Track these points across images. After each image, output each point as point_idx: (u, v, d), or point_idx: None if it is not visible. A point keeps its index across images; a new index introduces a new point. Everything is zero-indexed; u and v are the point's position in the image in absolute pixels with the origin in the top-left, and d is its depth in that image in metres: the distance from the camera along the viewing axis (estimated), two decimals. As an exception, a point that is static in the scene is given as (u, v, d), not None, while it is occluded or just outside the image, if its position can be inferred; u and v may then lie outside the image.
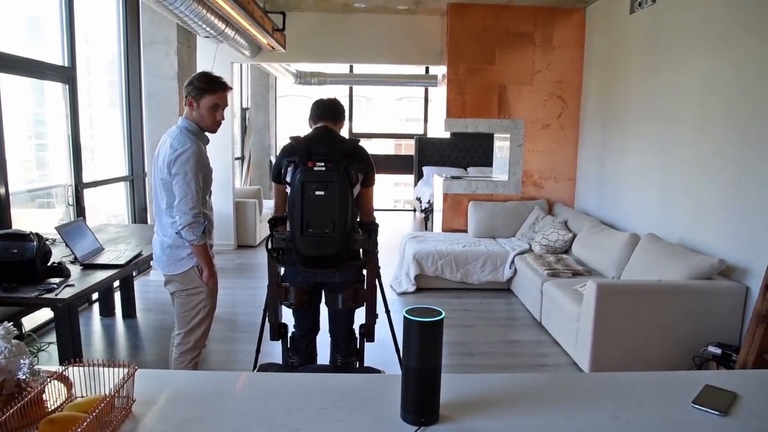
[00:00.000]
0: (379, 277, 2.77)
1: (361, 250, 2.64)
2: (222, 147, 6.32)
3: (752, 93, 3.38)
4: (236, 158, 8.36)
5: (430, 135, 10.50)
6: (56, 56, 4.33)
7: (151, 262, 2.85)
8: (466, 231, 6.21)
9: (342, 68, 9.63)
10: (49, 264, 2.89)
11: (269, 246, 2.60)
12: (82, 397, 1.29)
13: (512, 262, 5.27)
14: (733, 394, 1.41)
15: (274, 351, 3.28)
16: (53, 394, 1.26)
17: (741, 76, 3.48)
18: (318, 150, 2.44)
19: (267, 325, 2.82)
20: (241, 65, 8.75)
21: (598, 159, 5.69)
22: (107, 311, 4.53)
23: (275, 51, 6.17)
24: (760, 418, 1.33)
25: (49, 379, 1.26)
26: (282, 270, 2.73)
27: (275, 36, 5.58)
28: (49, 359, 3.58)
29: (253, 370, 2.89)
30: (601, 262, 4.58)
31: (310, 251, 2.47)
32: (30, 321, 3.94)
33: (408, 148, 11.28)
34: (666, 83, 4.33)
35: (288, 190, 2.52)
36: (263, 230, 7.52)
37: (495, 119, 6.14)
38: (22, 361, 1.25)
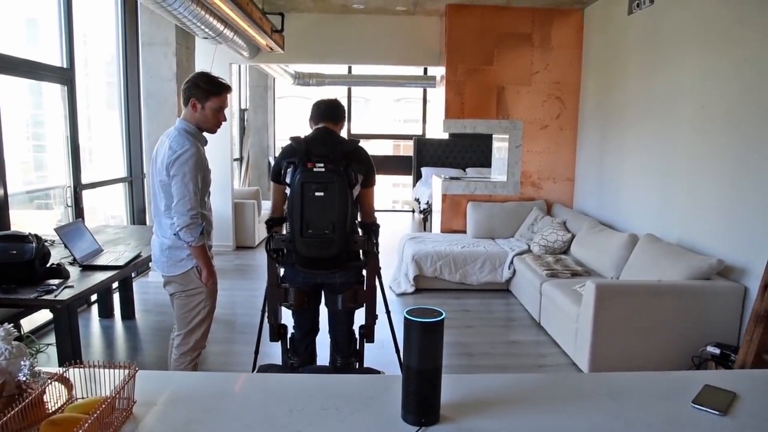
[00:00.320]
0: (380, 277, 2.77)
1: (360, 251, 2.64)
2: (221, 148, 6.32)
3: (751, 93, 3.39)
4: (235, 159, 8.36)
5: (428, 136, 10.50)
6: (54, 57, 4.33)
7: (150, 264, 2.85)
8: (464, 232, 6.22)
9: (340, 69, 9.63)
10: (48, 265, 2.89)
11: (269, 247, 2.60)
12: (82, 398, 1.29)
13: (511, 262, 5.28)
14: (732, 394, 1.41)
15: (273, 352, 3.28)
16: (54, 396, 1.26)
17: (739, 76, 3.49)
18: (318, 151, 2.44)
19: (265, 326, 2.82)
20: (239, 66, 8.74)
21: (596, 159, 5.69)
22: (106, 312, 4.52)
23: (274, 52, 6.17)
24: (760, 417, 1.33)
25: (49, 381, 1.26)
26: (281, 271, 2.73)
27: (274, 37, 5.58)
28: (48, 361, 3.57)
29: (253, 371, 2.89)
30: (599, 263, 4.58)
31: (309, 252, 2.48)
32: (29, 322, 3.93)
33: (406, 148, 11.28)
34: (664, 84, 4.34)
35: (287, 191, 2.52)
36: (262, 231, 7.52)
37: (493, 120, 6.14)
38: (22, 362, 1.24)
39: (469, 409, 1.34)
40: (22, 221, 3.99)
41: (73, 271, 2.98)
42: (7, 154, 3.59)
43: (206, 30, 4.52)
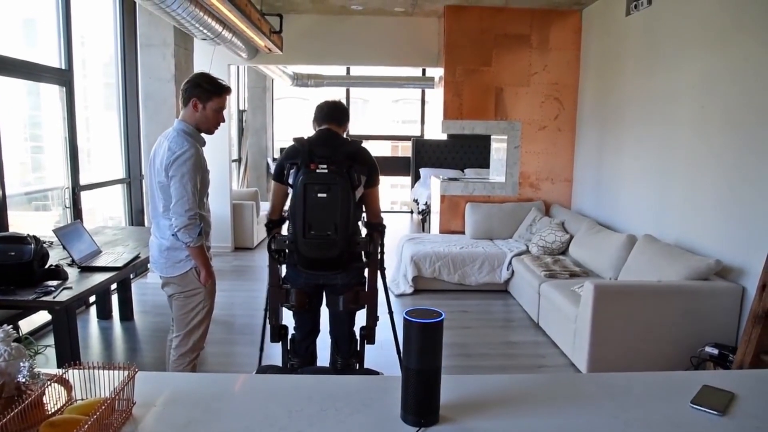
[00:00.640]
0: (384, 277, 2.77)
1: (363, 252, 2.64)
2: (219, 149, 6.32)
3: (748, 94, 3.40)
4: (233, 160, 8.36)
5: (427, 137, 10.50)
6: (53, 58, 4.33)
7: (149, 265, 2.85)
8: (463, 232, 6.22)
9: (339, 70, 9.64)
10: (46, 267, 2.89)
11: (271, 247, 2.60)
12: (81, 399, 1.29)
13: (509, 263, 5.28)
14: (731, 394, 1.42)
15: (276, 353, 3.28)
16: (53, 397, 1.26)
17: (737, 77, 3.50)
18: (321, 152, 2.44)
19: (264, 327, 2.82)
20: (238, 67, 8.74)
21: (594, 160, 5.70)
22: (105, 314, 4.51)
23: (272, 53, 6.17)
24: (758, 417, 1.34)
25: (48, 382, 1.26)
26: (283, 272, 2.73)
27: (272, 38, 5.59)
28: (46, 362, 3.56)
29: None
30: (598, 263, 4.59)
31: (312, 253, 2.48)
32: (27, 324, 3.92)
33: (405, 149, 11.29)
34: (662, 85, 4.34)
35: (289, 191, 2.52)
36: (260, 232, 7.52)
37: (492, 121, 6.15)
38: (21, 364, 1.24)
39: (468, 409, 1.34)
40: (20, 222, 3.99)
41: (72, 273, 2.98)
42: (5, 155, 3.59)
43: (204, 31, 4.52)
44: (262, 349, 3.00)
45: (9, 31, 4.27)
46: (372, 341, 2.75)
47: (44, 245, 2.94)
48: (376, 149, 12.05)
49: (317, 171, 2.38)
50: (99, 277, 2.96)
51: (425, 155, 10.00)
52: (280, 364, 2.88)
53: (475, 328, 4.54)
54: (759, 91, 3.29)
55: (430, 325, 1.24)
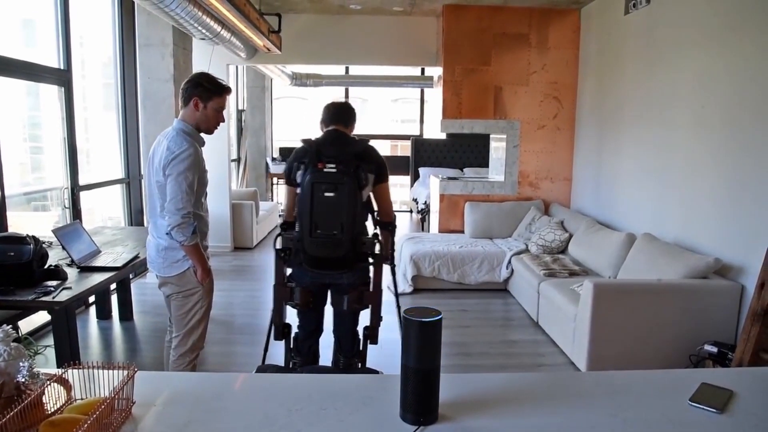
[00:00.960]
0: (393, 274, 2.81)
1: (369, 253, 2.65)
2: (218, 149, 6.32)
3: (747, 93, 3.40)
4: (232, 160, 8.36)
5: (426, 136, 10.50)
6: (51, 59, 4.33)
7: (149, 264, 2.85)
8: (462, 232, 6.22)
9: (338, 70, 9.63)
10: (45, 267, 2.89)
11: (278, 245, 2.63)
12: (81, 399, 1.29)
13: (509, 262, 5.28)
14: (729, 391, 1.42)
15: (279, 352, 3.28)
16: (53, 397, 1.26)
17: (736, 76, 3.50)
18: (328, 152, 2.47)
19: (271, 325, 2.84)
20: (236, 67, 8.74)
21: (593, 159, 5.71)
22: (104, 314, 4.51)
23: (271, 53, 6.16)
24: (756, 415, 1.34)
25: (48, 382, 1.26)
26: (288, 270, 2.74)
27: (271, 38, 5.58)
28: (46, 362, 3.56)
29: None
30: (597, 262, 4.59)
31: (318, 252, 2.50)
32: (27, 324, 3.92)
33: (404, 149, 11.29)
34: (661, 83, 4.35)
35: (298, 191, 2.54)
36: (260, 232, 7.52)
37: (491, 120, 6.15)
38: (21, 363, 1.24)
39: (467, 408, 1.35)
40: (19, 223, 3.99)
41: (71, 273, 2.98)
42: (4, 155, 3.59)
43: (203, 31, 4.52)
44: (266, 349, 3.01)
45: (8, 31, 4.27)
46: (375, 341, 2.76)
47: (43, 245, 2.94)
48: (376, 148, 12.04)
49: (325, 170, 2.41)
50: (98, 277, 2.96)
51: (424, 154, 10.00)
52: (278, 364, 2.89)
53: (475, 327, 4.55)
54: (757, 90, 3.30)
55: (428, 324, 1.25)
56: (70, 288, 2.74)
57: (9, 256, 2.72)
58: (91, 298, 4.58)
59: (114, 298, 4.55)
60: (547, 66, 6.09)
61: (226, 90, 2.66)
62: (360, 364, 2.86)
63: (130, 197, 5.58)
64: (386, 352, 3.30)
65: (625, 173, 4.99)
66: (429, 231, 7.19)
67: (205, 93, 2.59)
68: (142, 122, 5.48)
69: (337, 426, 1.26)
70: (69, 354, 2.72)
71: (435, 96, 6.88)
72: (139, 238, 3.87)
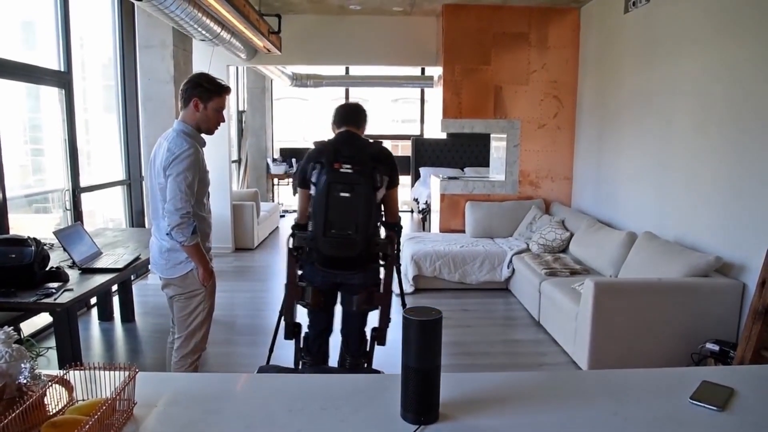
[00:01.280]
0: (399, 273, 2.83)
1: (381, 254, 2.68)
2: (219, 150, 6.32)
3: (747, 91, 3.40)
4: (233, 161, 8.36)
5: (426, 136, 10.50)
6: (52, 61, 4.33)
7: (150, 266, 2.86)
8: (463, 231, 6.22)
9: (338, 70, 9.64)
10: (47, 269, 2.89)
11: (291, 245, 2.64)
12: (83, 400, 1.30)
13: (510, 261, 5.28)
14: (730, 389, 1.42)
15: (284, 354, 3.29)
16: (54, 398, 1.26)
17: (736, 74, 3.50)
18: (345, 152, 2.49)
19: (278, 325, 2.86)
20: (237, 68, 8.75)
21: (594, 158, 5.70)
22: (106, 315, 4.52)
23: (271, 53, 6.17)
24: (757, 413, 1.34)
25: (50, 383, 1.26)
26: (300, 270, 2.75)
27: (271, 38, 5.59)
28: (48, 364, 3.57)
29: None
30: (598, 261, 4.59)
31: (331, 252, 2.52)
32: (28, 326, 3.93)
33: (404, 149, 11.28)
34: (661, 82, 4.35)
35: (312, 192, 2.55)
36: (260, 233, 7.53)
37: (491, 119, 6.15)
38: (23, 365, 1.25)
39: (468, 407, 1.35)
40: (21, 225, 3.99)
41: (73, 275, 2.98)
42: (5, 157, 3.60)
43: (203, 32, 4.53)
44: (272, 349, 3.03)
45: (8, 33, 4.27)
46: (383, 342, 2.78)
47: (45, 247, 2.94)
48: (376, 149, 12.05)
49: (341, 170, 2.42)
50: (100, 279, 2.97)
51: (425, 154, 10.00)
52: (287, 364, 2.91)
53: (476, 327, 4.55)
54: (758, 88, 3.30)
55: (428, 323, 1.25)
56: (71, 290, 2.75)
57: (10, 258, 2.73)
58: (93, 300, 4.59)
59: (116, 300, 4.55)
60: (547, 65, 6.09)
61: (225, 90, 2.66)
62: (366, 365, 2.87)
63: (131, 199, 5.58)
64: (394, 353, 3.32)
65: (625, 172, 4.99)
66: (430, 231, 7.19)
67: (204, 93, 2.59)
68: (142, 123, 5.48)
69: (338, 426, 1.27)
70: (71, 355, 2.73)
71: (435, 96, 6.88)
72: (141, 239, 3.88)
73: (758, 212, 3.28)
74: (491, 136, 6.70)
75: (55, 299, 2.62)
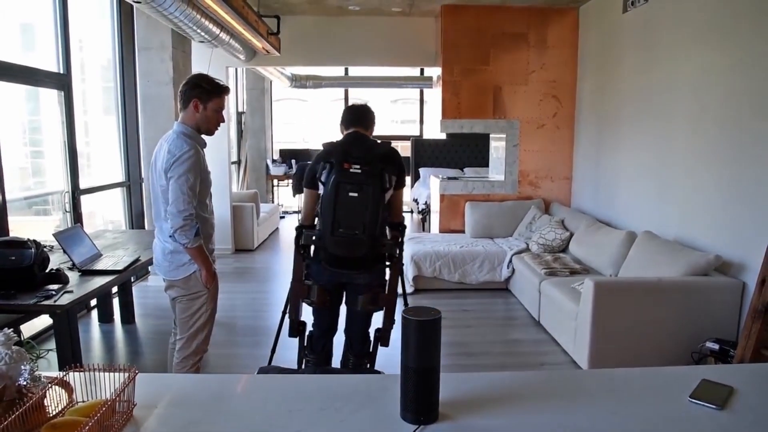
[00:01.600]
0: (401, 272, 2.84)
1: (387, 255, 2.71)
2: (219, 151, 6.32)
3: (746, 90, 3.40)
4: (233, 162, 8.37)
5: (425, 136, 10.51)
6: (51, 63, 4.33)
7: (150, 268, 2.86)
8: (463, 231, 6.22)
9: (337, 71, 9.64)
10: (47, 271, 2.89)
11: (299, 242, 2.67)
12: (82, 402, 1.30)
13: (510, 261, 5.28)
14: (729, 388, 1.42)
15: (286, 355, 3.30)
16: (54, 400, 1.27)
17: (734, 73, 3.50)
18: (355, 153, 2.53)
19: (281, 325, 2.89)
20: (236, 69, 8.75)
21: (593, 158, 5.71)
22: (106, 317, 4.52)
23: (270, 55, 6.17)
24: (756, 411, 1.34)
25: (49, 385, 1.26)
26: (306, 268, 2.78)
27: (270, 40, 5.59)
28: (48, 366, 3.57)
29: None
30: (598, 260, 4.59)
31: (339, 251, 2.54)
32: (28, 328, 3.93)
33: (404, 149, 11.28)
34: (659, 81, 4.35)
35: (321, 191, 2.57)
36: (260, 234, 7.53)
37: (490, 120, 6.15)
38: (22, 367, 1.25)
39: (467, 406, 1.35)
40: (20, 227, 3.99)
41: (73, 276, 2.98)
42: (4, 160, 3.60)
43: (202, 33, 4.53)
44: (274, 350, 3.05)
45: (7, 36, 4.28)
46: (386, 344, 2.80)
47: (45, 249, 2.94)
48: (376, 149, 12.05)
49: (350, 170, 2.45)
50: (99, 281, 2.97)
51: (424, 155, 10.01)
52: (289, 365, 2.92)
53: (476, 327, 4.55)
54: (757, 87, 3.30)
55: (427, 323, 1.25)
56: (71, 291, 2.75)
57: (10, 261, 2.73)
58: (93, 302, 4.59)
59: (116, 302, 4.55)
60: (545, 65, 6.09)
61: (224, 90, 2.67)
62: (369, 365, 2.88)
63: (131, 200, 5.58)
64: (396, 354, 3.32)
65: (624, 171, 4.99)
66: (429, 231, 7.19)
67: (204, 94, 2.59)
68: (142, 125, 5.49)
69: (337, 426, 1.27)
70: (71, 357, 2.73)
71: (434, 96, 6.89)
72: (141, 241, 3.88)
73: (757, 211, 3.28)
74: (490, 136, 6.71)
75: (55, 301, 2.62)
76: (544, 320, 4.40)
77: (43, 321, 3.99)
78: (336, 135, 2.89)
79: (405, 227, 2.82)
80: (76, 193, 4.53)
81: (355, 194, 2.44)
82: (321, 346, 2.89)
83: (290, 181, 10.00)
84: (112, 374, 1.32)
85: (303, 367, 2.90)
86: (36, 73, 4.14)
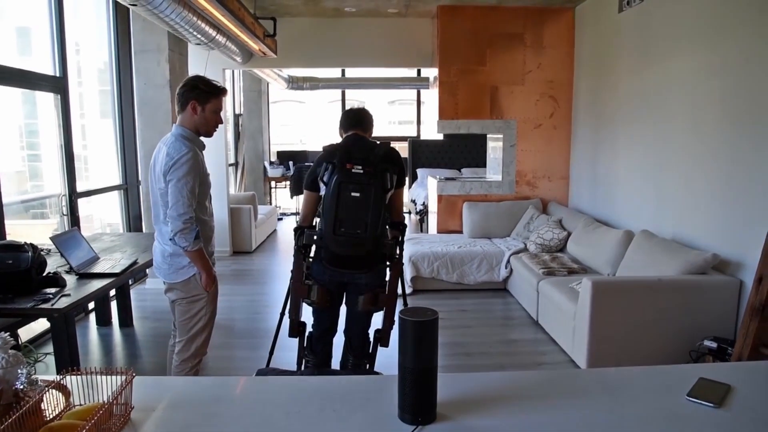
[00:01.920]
0: (401, 272, 2.86)
1: (388, 255, 2.73)
2: (216, 153, 6.32)
3: (742, 88, 3.41)
4: (230, 164, 8.36)
5: (423, 137, 10.51)
6: (47, 66, 4.33)
7: (148, 270, 2.86)
8: (461, 232, 6.23)
9: (334, 72, 9.65)
10: (44, 274, 2.89)
11: (300, 242, 2.69)
12: (80, 405, 1.30)
13: (508, 261, 5.29)
14: (726, 386, 1.42)
15: (284, 356, 3.30)
16: (51, 403, 1.26)
17: (731, 71, 3.51)
18: (357, 154, 2.55)
19: (279, 327, 2.89)
20: (233, 71, 8.75)
21: (590, 157, 5.72)
22: (104, 320, 4.51)
23: (267, 57, 6.17)
24: (753, 409, 1.35)
25: (46, 388, 1.26)
26: (306, 268, 2.79)
27: (266, 42, 5.59)
28: (46, 370, 3.54)
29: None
30: (596, 260, 4.60)
31: (340, 250, 2.57)
32: (26, 332, 3.92)
33: (401, 150, 11.25)
34: (656, 80, 4.36)
35: (322, 191, 2.59)
36: (258, 236, 7.52)
37: (487, 120, 6.16)
38: (19, 370, 1.25)
39: (466, 406, 1.35)
40: (17, 231, 3.98)
41: (70, 280, 2.97)
42: (1, 163, 3.59)
43: (198, 36, 4.53)
44: (272, 352, 3.05)
45: (3, 39, 4.27)
46: (386, 344, 2.81)
47: (42, 253, 2.94)
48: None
49: (353, 171, 2.48)
50: (97, 284, 2.96)
51: (422, 156, 10.01)
52: (287, 366, 2.93)
53: (475, 327, 4.55)
54: (753, 86, 3.31)
55: (424, 323, 1.25)
56: (69, 295, 2.74)
57: (7, 264, 2.72)
58: (91, 305, 4.58)
59: (114, 305, 4.54)
60: (542, 65, 6.10)
61: (222, 91, 2.67)
62: (368, 366, 2.89)
63: (128, 203, 5.58)
64: (396, 354, 3.33)
65: (621, 170, 5.00)
66: (427, 232, 7.19)
67: (202, 96, 2.59)
68: (139, 128, 5.48)
69: (335, 427, 1.27)
70: (69, 361, 2.72)
71: (431, 97, 6.89)
72: (138, 244, 3.88)
73: (754, 209, 3.29)
74: (488, 136, 6.71)
75: (52, 305, 2.62)
76: (543, 320, 4.41)
77: (41, 324, 3.98)
78: (334, 136, 2.91)
79: (405, 226, 2.85)
80: (73, 196, 4.52)
81: (357, 194, 2.47)
82: (321, 346, 2.90)
83: (288, 182, 9.99)
84: (109, 377, 1.32)
85: (303, 367, 2.91)
86: (32, 77, 4.13)
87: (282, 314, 2.98)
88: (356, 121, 2.83)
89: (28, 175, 4.95)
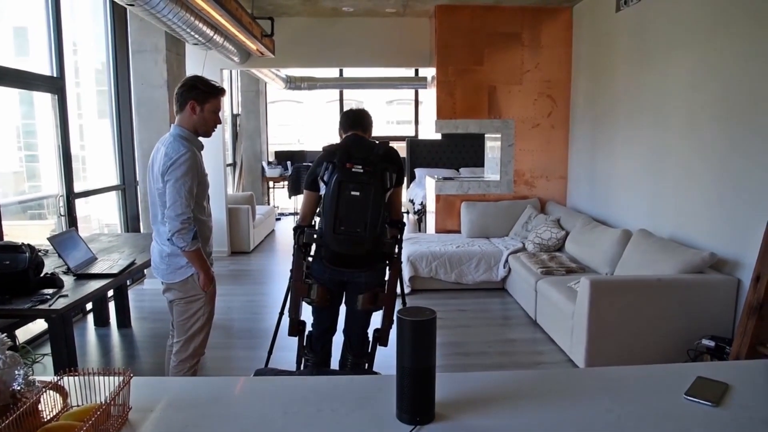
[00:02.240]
0: (400, 271, 2.88)
1: (387, 254, 2.75)
2: (214, 153, 6.31)
3: (739, 89, 3.41)
4: (228, 165, 8.35)
5: (421, 137, 10.52)
6: (44, 66, 4.32)
7: (146, 270, 2.85)
8: (459, 231, 6.23)
9: (332, 72, 9.64)
10: (42, 275, 2.88)
11: (300, 241, 2.71)
12: (77, 406, 1.29)
13: (506, 261, 5.29)
14: (724, 385, 1.42)
15: (283, 356, 3.29)
16: (49, 404, 1.26)
17: (728, 72, 3.51)
18: (356, 154, 2.57)
19: (283, 324, 2.90)
20: (230, 71, 8.74)
21: (588, 156, 5.72)
22: (102, 321, 4.50)
23: (264, 57, 6.17)
24: (751, 407, 1.35)
25: (44, 389, 1.25)
26: (306, 267, 2.80)
27: (264, 42, 5.59)
28: (44, 371, 3.53)
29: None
30: (594, 259, 4.60)
31: (340, 248, 2.58)
32: (24, 333, 3.91)
33: (399, 150, 11.28)
34: (653, 80, 4.36)
35: (322, 190, 2.61)
36: (256, 236, 7.52)
37: (485, 119, 6.16)
38: (16, 371, 1.24)
39: (464, 406, 1.35)
40: (15, 231, 3.98)
41: (68, 281, 2.97)
42: (-2, 164, 3.59)
43: (196, 36, 4.52)
44: (270, 352, 3.06)
45: (0, 40, 4.26)
46: (385, 344, 2.82)
47: (39, 253, 2.93)
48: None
49: (353, 170, 2.50)
50: (95, 285, 2.95)
51: (420, 155, 10.01)
52: (286, 366, 2.93)
53: (473, 327, 4.55)
54: (750, 86, 3.31)
55: (422, 323, 1.25)
56: (66, 296, 2.74)
57: (5, 265, 2.72)
58: (89, 306, 4.57)
59: (111, 305, 4.54)
60: (540, 65, 6.10)
61: (221, 91, 2.67)
62: (368, 365, 2.90)
63: (126, 204, 5.57)
64: (395, 354, 3.33)
65: (619, 170, 5.00)
66: (426, 231, 7.19)
67: (201, 96, 2.58)
68: (136, 128, 5.47)
69: (333, 427, 1.27)
70: (67, 362, 2.71)
71: (429, 97, 6.90)
72: (136, 244, 3.87)
73: (752, 208, 3.29)
74: (486, 136, 6.72)
75: (50, 305, 2.61)
76: (541, 319, 4.41)
77: (39, 325, 3.98)
78: (332, 136, 2.92)
79: (404, 225, 2.87)
80: (70, 196, 4.51)
81: (357, 193, 2.49)
82: (320, 345, 2.91)
83: (286, 182, 9.99)
84: (107, 378, 1.31)
85: (302, 366, 2.91)
86: (29, 77, 4.12)
87: (281, 313, 2.99)
88: (356, 121, 2.85)
89: (26, 176, 4.94)
